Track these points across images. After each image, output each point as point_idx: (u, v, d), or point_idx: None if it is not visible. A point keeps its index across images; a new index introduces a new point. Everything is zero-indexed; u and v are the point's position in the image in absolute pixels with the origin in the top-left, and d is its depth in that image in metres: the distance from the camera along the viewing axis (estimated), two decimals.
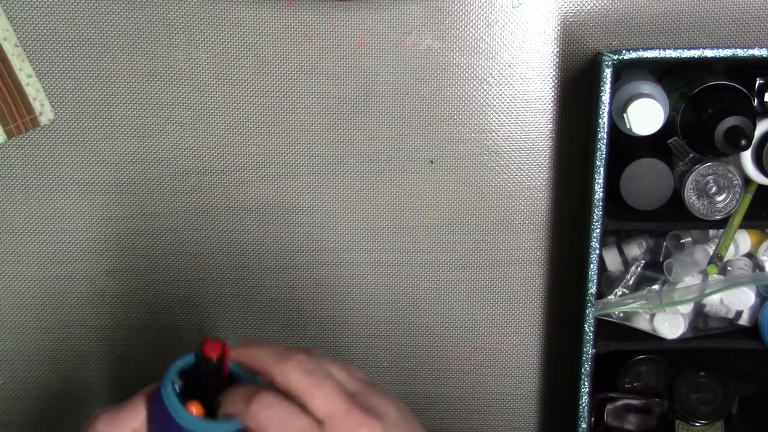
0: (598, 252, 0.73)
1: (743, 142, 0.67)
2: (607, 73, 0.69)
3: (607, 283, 0.79)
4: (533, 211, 0.81)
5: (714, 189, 0.73)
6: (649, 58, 0.69)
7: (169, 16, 0.77)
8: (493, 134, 0.80)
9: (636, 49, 0.69)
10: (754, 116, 0.69)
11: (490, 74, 0.78)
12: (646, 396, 0.80)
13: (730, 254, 0.77)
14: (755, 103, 0.72)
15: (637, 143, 0.74)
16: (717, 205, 0.73)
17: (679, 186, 0.73)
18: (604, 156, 0.71)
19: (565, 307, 0.83)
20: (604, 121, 0.70)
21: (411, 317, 0.84)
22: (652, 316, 0.77)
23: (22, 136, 0.78)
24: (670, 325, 0.77)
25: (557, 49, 0.78)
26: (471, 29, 0.77)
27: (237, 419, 0.47)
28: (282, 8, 0.77)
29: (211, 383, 0.49)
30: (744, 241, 0.77)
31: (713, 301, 0.78)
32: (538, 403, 0.86)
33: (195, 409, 0.49)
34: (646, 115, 0.70)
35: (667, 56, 0.69)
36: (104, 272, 0.82)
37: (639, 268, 0.77)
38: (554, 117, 0.79)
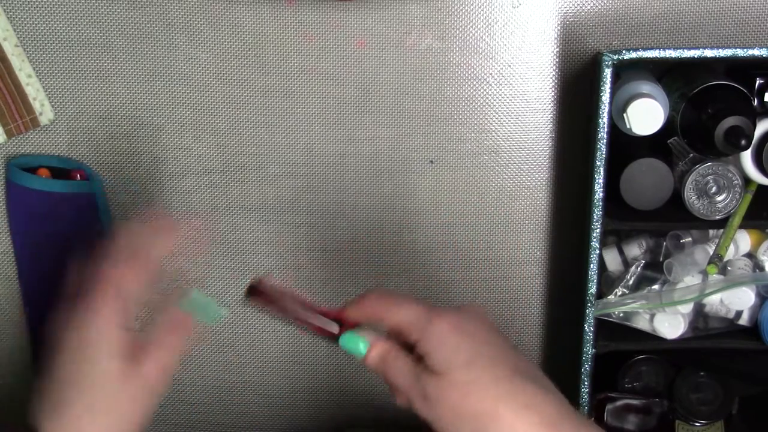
0: (598, 252, 0.73)
1: (743, 142, 0.67)
2: (607, 73, 0.69)
3: (607, 283, 0.79)
4: (533, 211, 0.81)
5: (714, 189, 0.73)
6: (649, 58, 0.69)
7: (169, 16, 0.77)
8: (493, 134, 0.79)
9: (636, 49, 0.69)
10: (754, 116, 0.69)
11: (490, 74, 0.78)
12: (646, 396, 0.80)
13: (730, 254, 0.77)
14: (755, 103, 0.72)
15: (637, 143, 0.74)
16: (717, 205, 0.73)
17: (679, 186, 0.73)
18: (604, 156, 0.71)
19: (565, 307, 0.83)
20: (604, 121, 0.70)
21: None
22: (652, 316, 0.77)
23: (22, 136, 0.78)
24: (670, 325, 0.77)
25: (557, 49, 0.78)
26: (471, 29, 0.77)
27: (92, 185, 0.59)
28: (282, 8, 0.77)
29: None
30: (744, 241, 0.77)
31: (713, 301, 0.78)
32: None
33: (42, 172, 0.55)
34: (646, 115, 0.70)
35: (667, 56, 0.69)
36: None
37: (639, 268, 0.77)
38: (554, 117, 0.79)
